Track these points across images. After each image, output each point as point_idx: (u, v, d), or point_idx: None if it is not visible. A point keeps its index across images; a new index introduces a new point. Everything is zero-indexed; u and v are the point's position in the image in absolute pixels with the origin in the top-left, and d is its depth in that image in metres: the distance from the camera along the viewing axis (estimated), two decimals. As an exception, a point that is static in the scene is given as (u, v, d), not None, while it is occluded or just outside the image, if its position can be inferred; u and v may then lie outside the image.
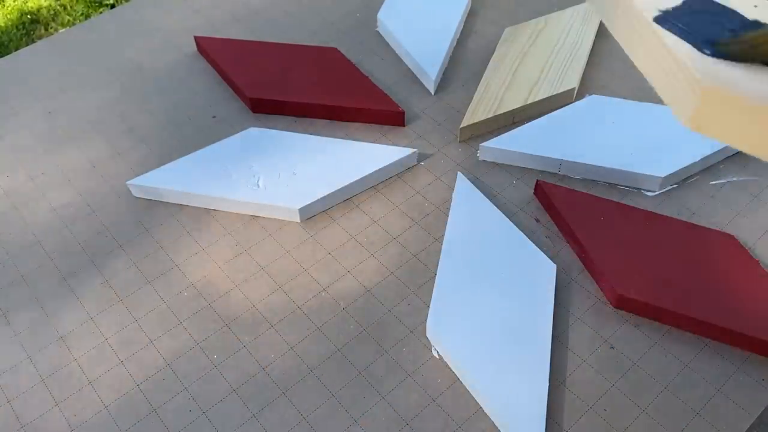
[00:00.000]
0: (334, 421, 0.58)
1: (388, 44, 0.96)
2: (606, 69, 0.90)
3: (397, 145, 0.80)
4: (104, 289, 0.68)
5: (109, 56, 0.96)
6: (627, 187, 0.76)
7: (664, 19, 0.37)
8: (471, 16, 1.01)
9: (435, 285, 0.66)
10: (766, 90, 0.33)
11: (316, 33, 0.99)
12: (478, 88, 0.86)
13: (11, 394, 0.60)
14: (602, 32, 0.95)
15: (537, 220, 0.73)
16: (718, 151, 0.76)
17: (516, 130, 0.81)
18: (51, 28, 1.58)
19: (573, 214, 0.70)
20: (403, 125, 0.84)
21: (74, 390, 0.60)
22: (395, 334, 0.63)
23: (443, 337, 0.61)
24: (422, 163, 0.79)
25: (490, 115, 0.82)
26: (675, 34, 0.36)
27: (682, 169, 0.74)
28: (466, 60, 0.93)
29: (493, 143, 0.79)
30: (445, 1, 1.00)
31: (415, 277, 0.68)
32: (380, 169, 0.76)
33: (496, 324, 0.62)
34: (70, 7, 1.54)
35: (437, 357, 0.62)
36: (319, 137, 0.81)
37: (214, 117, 0.86)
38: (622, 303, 0.64)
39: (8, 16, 1.45)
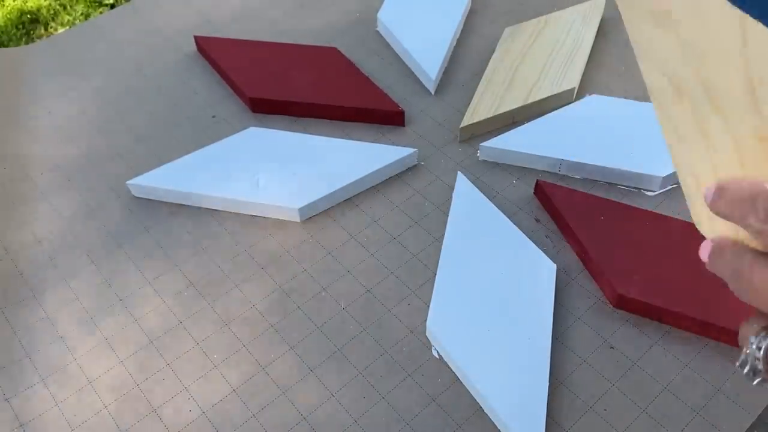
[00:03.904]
0: (334, 421, 0.58)
1: (388, 44, 0.96)
2: (606, 69, 0.90)
3: (397, 145, 0.80)
4: (104, 288, 0.68)
5: (109, 56, 0.96)
6: (627, 187, 0.76)
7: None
8: (471, 16, 1.01)
9: (435, 285, 0.66)
10: None
11: (316, 33, 0.99)
12: (478, 88, 0.86)
13: (9, 393, 0.60)
14: (602, 32, 0.96)
15: (537, 220, 0.73)
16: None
17: (516, 130, 0.81)
18: (51, 27, 1.58)
19: (573, 214, 0.70)
20: (403, 125, 0.84)
21: (74, 390, 0.60)
22: (395, 334, 0.63)
23: (443, 337, 0.61)
24: (422, 163, 0.79)
25: (490, 115, 0.82)
26: None
27: (682, 169, 0.75)
28: (466, 60, 0.93)
29: (493, 143, 0.79)
30: (445, 1, 1.00)
31: (415, 277, 0.68)
32: (380, 169, 0.76)
33: (496, 324, 0.62)
34: (70, 6, 1.54)
35: (437, 357, 0.62)
36: (319, 137, 0.81)
37: (214, 117, 0.86)
38: (622, 303, 0.64)
39: (8, 16, 1.45)
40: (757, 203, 0.27)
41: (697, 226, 0.35)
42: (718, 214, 0.30)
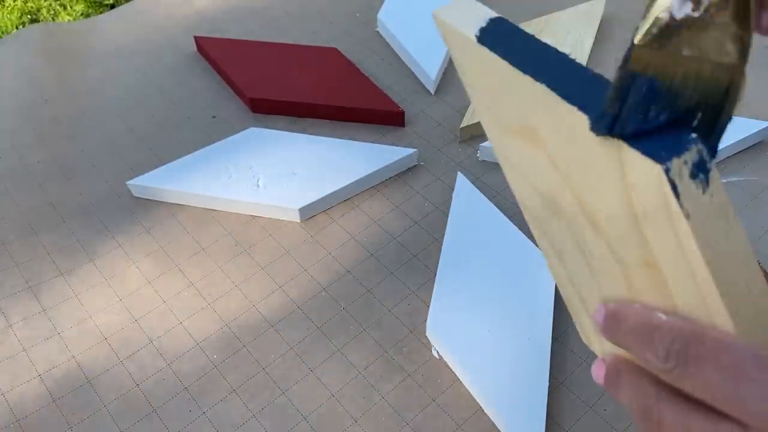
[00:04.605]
0: (334, 421, 0.58)
1: (388, 44, 0.96)
2: (606, 69, 0.90)
3: (397, 145, 0.80)
4: (104, 288, 0.68)
5: (109, 56, 0.96)
6: (627, 187, 0.75)
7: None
8: (471, 16, 1.01)
9: (435, 285, 0.66)
10: None
11: (316, 33, 0.99)
12: (478, 88, 0.86)
13: (5, 387, 0.60)
14: (602, 32, 0.96)
15: (537, 220, 0.73)
16: (718, 150, 0.76)
17: (516, 130, 0.80)
18: (51, 28, 1.58)
19: (573, 214, 0.70)
20: (403, 125, 0.84)
21: (72, 388, 0.60)
22: (395, 334, 0.63)
23: (443, 337, 0.61)
24: (422, 163, 0.79)
25: (490, 115, 0.81)
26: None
27: (682, 169, 0.75)
28: (466, 60, 0.93)
29: (493, 143, 0.79)
30: (445, 1, 1.00)
31: (415, 277, 0.68)
32: (380, 169, 0.76)
33: (496, 324, 0.62)
34: (70, 6, 1.54)
35: (437, 357, 0.62)
36: (319, 137, 0.81)
37: (214, 117, 0.86)
38: (622, 303, 0.64)
39: (8, 16, 1.45)
40: (655, 338, 0.23)
41: (586, 342, 0.32)
42: (612, 342, 0.26)
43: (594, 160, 0.25)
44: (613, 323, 0.26)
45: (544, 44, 0.28)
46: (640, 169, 0.23)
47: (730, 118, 0.25)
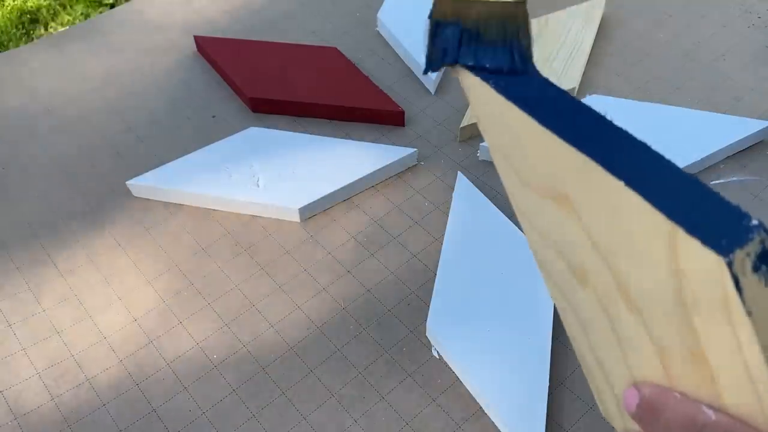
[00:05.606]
0: (334, 421, 0.58)
1: (388, 44, 0.96)
2: (606, 69, 0.90)
3: (397, 145, 0.80)
4: (104, 288, 0.68)
5: (109, 56, 0.96)
6: (627, 187, 0.75)
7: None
8: (471, 16, 1.01)
9: (435, 285, 0.66)
10: None
11: (316, 33, 0.98)
12: (478, 88, 0.86)
13: (4, 385, 0.60)
14: (602, 32, 0.95)
15: (537, 220, 0.73)
16: (718, 150, 0.76)
17: (516, 130, 0.80)
18: (50, 27, 1.58)
19: (573, 214, 0.70)
20: (403, 125, 0.84)
21: (71, 386, 0.60)
22: (395, 334, 0.63)
23: (443, 337, 0.61)
24: (422, 163, 0.79)
25: (490, 115, 0.81)
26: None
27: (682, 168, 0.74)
28: (466, 60, 0.93)
29: (493, 143, 0.79)
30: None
31: (415, 277, 0.68)
32: (380, 169, 0.76)
33: (496, 324, 0.62)
34: (70, 6, 1.54)
35: (437, 357, 0.62)
36: (319, 137, 0.81)
37: (214, 117, 0.86)
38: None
39: (8, 16, 1.45)
40: None
41: (604, 416, 0.30)
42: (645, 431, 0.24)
43: (639, 238, 0.22)
44: (649, 412, 0.23)
45: (573, 99, 0.25)
46: (697, 258, 0.21)
47: (530, 44, 0.27)
